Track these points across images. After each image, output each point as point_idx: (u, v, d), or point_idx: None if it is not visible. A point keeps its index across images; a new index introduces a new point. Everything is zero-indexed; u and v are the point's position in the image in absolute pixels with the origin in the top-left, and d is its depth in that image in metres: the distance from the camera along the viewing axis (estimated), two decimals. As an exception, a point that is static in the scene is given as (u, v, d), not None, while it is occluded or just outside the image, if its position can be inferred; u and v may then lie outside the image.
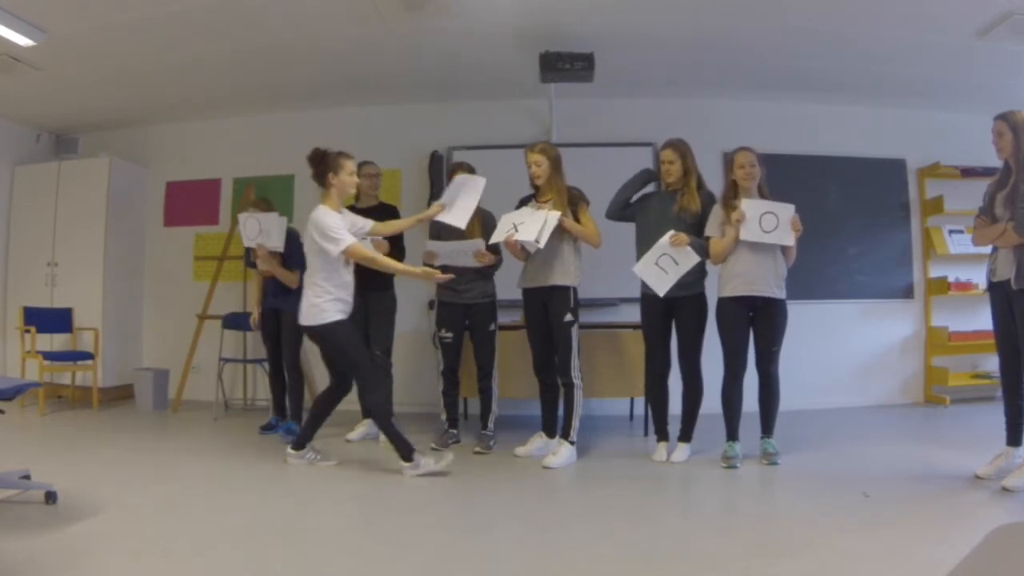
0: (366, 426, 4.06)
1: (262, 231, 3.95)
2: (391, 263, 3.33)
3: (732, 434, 3.45)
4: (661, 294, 3.36)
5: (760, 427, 3.48)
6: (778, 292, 3.36)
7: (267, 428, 4.27)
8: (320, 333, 3.20)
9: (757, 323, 3.41)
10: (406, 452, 3.20)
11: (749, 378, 3.43)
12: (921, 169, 5.39)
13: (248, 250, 4.17)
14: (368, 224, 3.35)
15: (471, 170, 3.79)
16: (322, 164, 3.22)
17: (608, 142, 5.18)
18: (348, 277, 3.24)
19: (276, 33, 4.18)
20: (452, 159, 5.00)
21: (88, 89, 5.05)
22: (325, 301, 3.15)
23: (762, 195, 3.42)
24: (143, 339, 5.87)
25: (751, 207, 3.31)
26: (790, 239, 3.30)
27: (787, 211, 3.30)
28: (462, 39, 4.31)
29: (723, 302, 3.43)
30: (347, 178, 3.24)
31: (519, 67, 4.63)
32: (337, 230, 3.12)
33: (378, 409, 3.24)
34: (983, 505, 2.67)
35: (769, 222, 3.29)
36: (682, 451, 3.51)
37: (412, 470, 3.17)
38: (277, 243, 3.95)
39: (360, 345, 3.31)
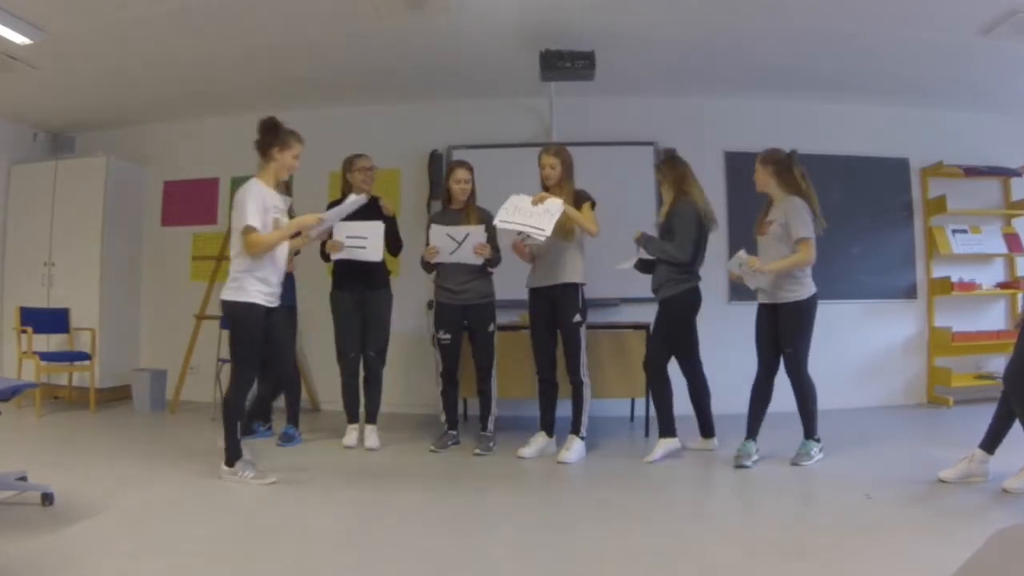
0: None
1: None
2: (278, 233, 3.05)
3: (750, 432, 3.45)
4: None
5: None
6: (786, 296, 3.35)
7: (248, 433, 3.98)
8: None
9: (777, 326, 3.43)
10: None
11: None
12: (924, 168, 5.37)
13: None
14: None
15: (470, 168, 3.77)
16: (271, 134, 3.08)
17: (608, 141, 5.16)
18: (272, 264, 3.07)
19: (275, 32, 4.15)
20: (452, 158, 4.98)
21: (85, 88, 5.03)
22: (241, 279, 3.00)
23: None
24: (140, 339, 5.85)
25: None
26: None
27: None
28: (462, 37, 4.29)
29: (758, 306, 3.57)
30: (290, 159, 3.12)
31: (519, 65, 4.61)
32: (251, 213, 2.95)
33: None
34: (985, 507, 2.65)
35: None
36: (707, 443, 3.75)
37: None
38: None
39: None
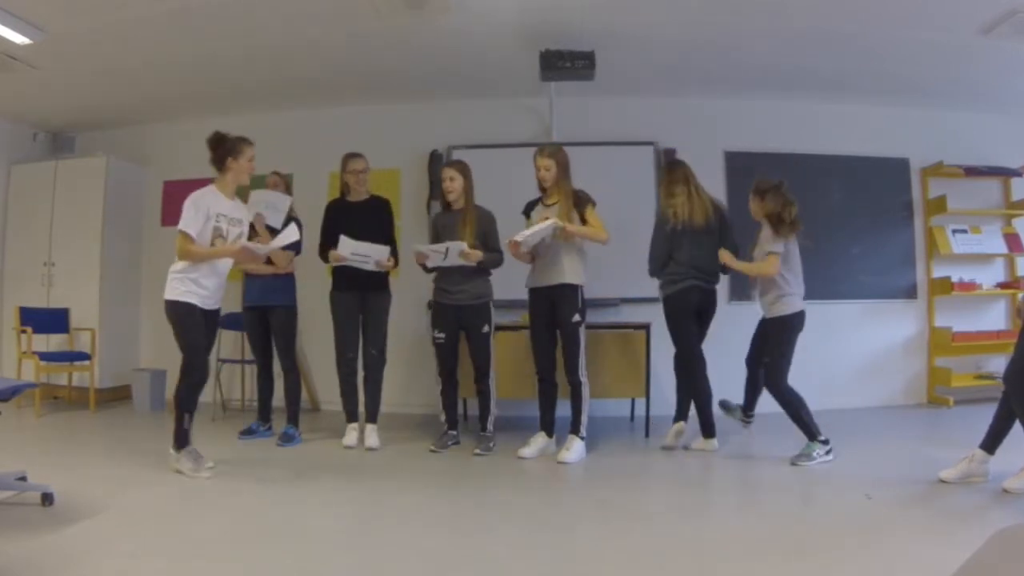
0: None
1: (268, 205, 3.79)
2: (206, 251, 3.19)
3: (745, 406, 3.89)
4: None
5: None
6: (771, 311, 3.53)
7: (248, 433, 4.09)
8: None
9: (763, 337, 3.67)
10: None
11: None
12: (924, 168, 5.37)
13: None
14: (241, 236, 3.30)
15: (458, 168, 3.77)
16: (222, 148, 3.24)
17: (608, 141, 5.16)
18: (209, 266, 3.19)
19: (275, 32, 4.15)
20: (452, 157, 4.97)
21: (85, 88, 5.03)
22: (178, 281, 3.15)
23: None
24: (140, 339, 5.83)
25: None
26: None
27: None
28: (462, 37, 4.28)
29: None
30: (245, 164, 3.27)
31: (519, 65, 4.60)
32: (190, 219, 3.10)
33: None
34: (985, 507, 2.66)
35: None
36: (708, 444, 3.73)
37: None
38: (275, 221, 3.79)
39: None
